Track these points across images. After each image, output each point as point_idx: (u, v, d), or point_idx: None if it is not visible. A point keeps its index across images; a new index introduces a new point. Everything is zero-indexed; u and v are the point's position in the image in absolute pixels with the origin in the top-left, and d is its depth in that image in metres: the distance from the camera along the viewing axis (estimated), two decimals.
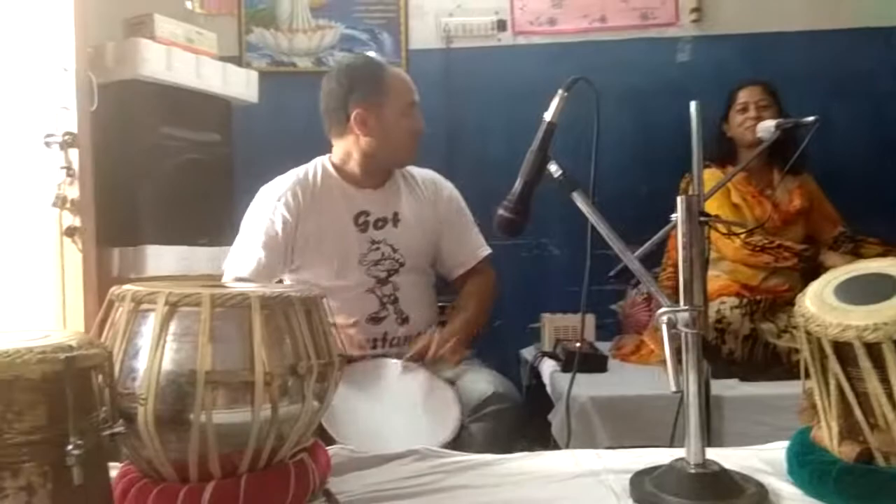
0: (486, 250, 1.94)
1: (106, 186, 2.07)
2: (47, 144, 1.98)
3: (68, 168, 1.97)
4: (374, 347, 1.76)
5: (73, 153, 1.98)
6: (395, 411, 1.49)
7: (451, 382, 1.62)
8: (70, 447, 0.65)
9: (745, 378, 1.96)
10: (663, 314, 0.97)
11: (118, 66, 2.17)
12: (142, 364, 0.82)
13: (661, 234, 1.43)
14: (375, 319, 1.77)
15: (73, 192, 1.98)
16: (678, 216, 1.03)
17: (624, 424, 1.80)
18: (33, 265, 2.03)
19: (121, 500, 0.83)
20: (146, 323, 0.85)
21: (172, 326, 0.84)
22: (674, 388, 0.93)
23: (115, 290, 0.90)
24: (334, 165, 1.87)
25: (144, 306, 0.86)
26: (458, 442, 1.45)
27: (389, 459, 1.09)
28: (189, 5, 2.86)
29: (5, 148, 2.07)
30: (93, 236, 2.00)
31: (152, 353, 0.82)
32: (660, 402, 1.72)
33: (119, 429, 0.72)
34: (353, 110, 1.79)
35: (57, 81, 2.00)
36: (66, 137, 1.97)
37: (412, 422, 1.48)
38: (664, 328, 0.96)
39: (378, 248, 1.80)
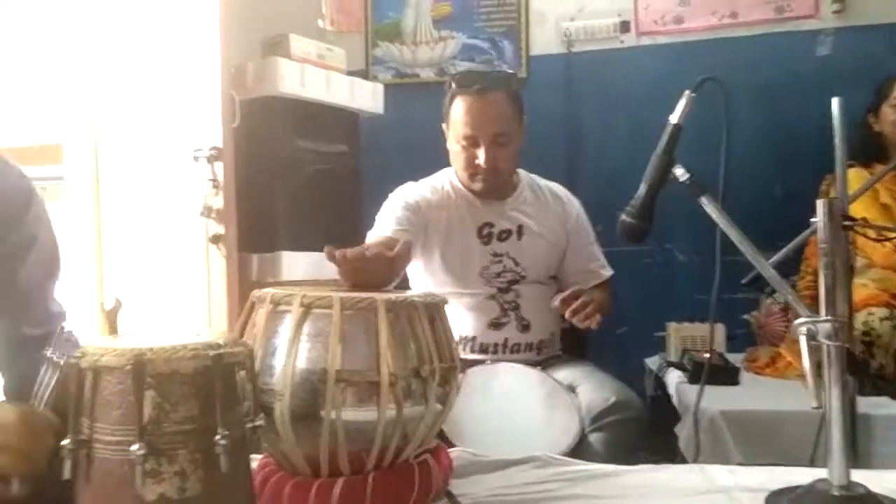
0: (609, 272, 1.92)
1: (245, 196, 2.22)
2: (195, 158, 2.15)
3: (214, 180, 2.13)
4: (495, 353, 1.77)
5: (218, 166, 2.13)
6: (516, 416, 1.49)
7: (572, 389, 1.60)
8: (218, 437, 0.70)
9: None
10: (802, 325, 0.91)
11: (258, 84, 2.32)
12: (279, 362, 0.88)
13: (798, 239, 1.34)
14: (496, 325, 1.79)
15: (218, 202, 2.13)
16: (818, 220, 0.97)
17: (758, 441, 1.71)
18: (183, 269, 2.21)
19: (260, 489, 0.89)
20: (283, 323, 0.90)
21: (306, 327, 0.89)
22: (814, 404, 0.88)
23: (256, 292, 0.96)
24: (458, 177, 1.90)
25: (282, 308, 0.91)
26: (578, 450, 1.43)
27: (510, 465, 1.10)
28: (321, 24, 3.02)
29: (159, 162, 2.27)
30: (234, 243, 2.15)
31: (288, 352, 0.87)
32: (798, 419, 1.61)
33: (259, 422, 0.78)
34: (442, 125, 1.86)
35: (204, 100, 2.17)
36: (212, 152, 2.13)
37: (532, 428, 1.48)
38: (803, 340, 0.91)
39: (500, 261, 1.81)
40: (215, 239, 2.13)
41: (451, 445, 1.26)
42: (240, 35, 2.33)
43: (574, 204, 1.94)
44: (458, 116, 1.78)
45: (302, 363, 0.87)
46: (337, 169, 2.48)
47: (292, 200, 2.33)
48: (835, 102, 1.32)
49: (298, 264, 2.27)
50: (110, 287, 2.36)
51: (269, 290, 0.94)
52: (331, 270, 1.06)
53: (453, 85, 1.81)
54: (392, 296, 0.93)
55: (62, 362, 0.78)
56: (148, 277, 2.27)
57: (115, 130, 2.37)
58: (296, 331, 0.88)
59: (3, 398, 1.06)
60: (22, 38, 2.56)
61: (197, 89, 2.17)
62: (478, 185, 1.82)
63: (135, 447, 0.68)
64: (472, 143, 1.77)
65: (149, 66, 2.29)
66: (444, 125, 1.87)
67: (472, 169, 1.80)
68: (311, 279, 2.25)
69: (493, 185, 1.83)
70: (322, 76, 2.43)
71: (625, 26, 2.86)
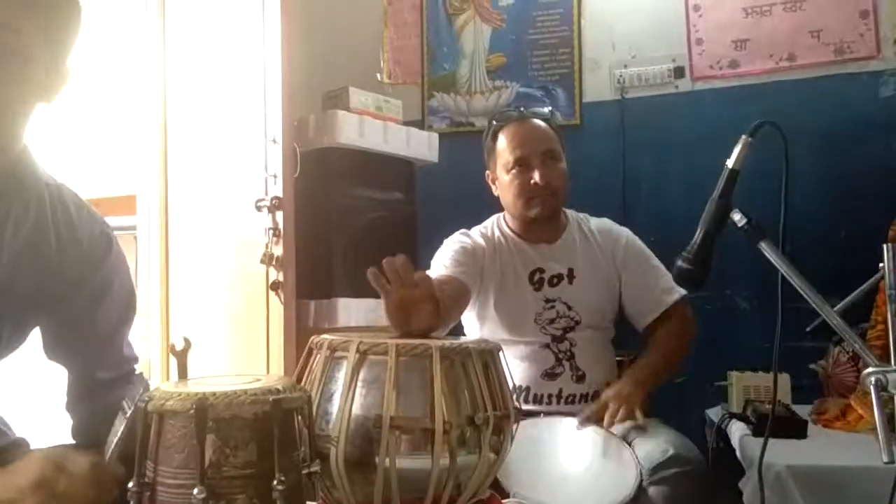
0: (677, 293, 1.83)
1: (304, 244, 2.27)
2: (258, 208, 2.23)
3: (275, 229, 2.20)
4: (549, 404, 1.74)
5: (279, 215, 2.20)
6: (571, 468, 1.46)
7: (629, 442, 1.56)
8: (275, 482, 0.72)
9: None
10: (871, 375, 0.88)
11: (318, 136, 2.39)
12: (335, 407, 0.89)
13: (865, 286, 1.30)
14: (551, 375, 1.76)
15: (278, 250, 2.19)
16: (885, 265, 0.95)
17: (828, 498, 1.61)
18: (245, 316, 2.27)
19: None
20: (340, 369, 0.92)
21: (362, 373, 0.90)
22: (886, 459, 0.84)
23: (314, 338, 0.99)
24: (507, 223, 1.92)
25: (339, 354, 0.93)
26: None
27: None
28: (379, 77, 3.12)
29: (224, 212, 2.36)
30: (293, 290, 2.20)
31: (344, 398, 0.89)
32: (871, 475, 1.52)
33: (315, 468, 0.79)
34: (486, 172, 1.90)
35: (267, 152, 2.25)
36: (274, 201, 2.20)
37: (588, 480, 1.44)
38: (873, 391, 0.87)
39: (553, 307, 1.80)
40: (275, 286, 2.18)
41: (505, 496, 1.24)
42: (302, 89, 2.42)
43: (622, 233, 1.91)
44: (504, 145, 1.82)
45: (357, 409, 0.89)
46: (392, 216, 2.53)
47: (349, 248, 2.38)
48: None
49: (354, 311, 2.31)
50: (177, 332, 2.44)
51: (327, 337, 0.97)
52: (385, 318, 1.08)
53: (493, 123, 1.88)
54: (446, 342, 0.94)
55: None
56: (212, 323, 2.34)
57: (183, 181, 2.49)
58: (352, 377, 0.90)
59: (72, 441, 1.10)
60: (97, 92, 2.72)
61: (261, 141, 2.26)
62: (535, 211, 1.80)
63: (196, 491, 0.70)
64: (524, 165, 1.79)
65: (216, 119, 2.41)
66: (487, 172, 1.90)
67: (528, 192, 1.78)
68: (367, 325, 2.28)
69: (552, 207, 1.82)
70: (379, 127, 2.50)
71: (679, 72, 2.86)
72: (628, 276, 1.85)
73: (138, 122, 2.58)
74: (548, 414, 1.69)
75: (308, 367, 0.97)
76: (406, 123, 2.67)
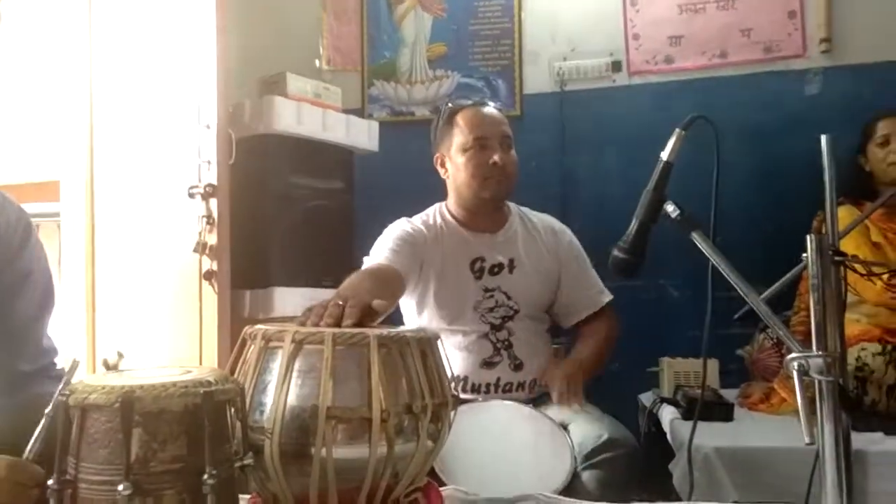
0: (607, 296, 1.91)
1: (240, 233, 2.22)
2: (191, 195, 2.16)
3: (208, 217, 2.14)
4: (487, 393, 1.76)
5: (213, 203, 2.14)
6: (508, 454, 1.47)
7: (564, 427, 1.58)
8: (206, 477, 0.70)
9: (890, 432, 1.79)
10: (794, 360, 0.91)
11: (254, 122, 2.34)
12: (269, 399, 0.87)
13: (790, 275, 1.35)
14: (489, 364, 1.78)
15: (212, 238, 2.13)
16: (808, 255, 0.98)
17: (753, 478, 1.69)
18: (176, 306, 2.20)
19: None
20: (274, 360, 0.90)
21: (298, 363, 0.89)
22: (807, 440, 0.87)
23: (248, 329, 0.96)
24: (450, 211, 1.92)
25: (273, 344, 0.91)
26: (571, 488, 1.41)
27: (502, 503, 1.08)
28: (317, 63, 3.07)
29: (155, 199, 2.28)
30: (227, 279, 2.15)
31: (279, 389, 0.87)
32: (793, 456, 1.60)
33: (249, 461, 0.77)
34: (434, 155, 1.89)
35: (201, 138, 2.19)
36: (208, 189, 2.14)
37: (524, 466, 1.46)
38: (795, 375, 0.91)
39: (492, 296, 1.81)
40: (208, 275, 2.12)
41: (443, 484, 1.24)
42: (238, 74, 2.36)
43: (565, 232, 1.95)
44: (463, 125, 1.83)
45: (293, 400, 0.87)
46: (331, 205, 2.50)
47: (286, 236, 2.34)
48: (824, 140, 1.34)
49: (291, 300, 2.27)
50: (103, 323, 2.34)
51: (262, 327, 0.94)
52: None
53: (449, 106, 1.89)
54: (384, 331, 0.93)
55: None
56: (141, 314, 2.26)
57: (111, 167, 2.39)
58: (287, 367, 0.88)
59: None
60: (20, 75, 2.59)
61: (195, 127, 2.19)
62: (490, 192, 1.82)
63: (121, 487, 0.67)
64: (482, 145, 1.80)
65: (146, 103, 2.32)
66: (437, 155, 1.89)
67: (485, 172, 1.80)
68: None
69: (505, 191, 1.85)
70: (318, 114, 2.46)
71: (616, 66, 2.91)
72: (567, 273, 1.89)
73: (62, 103, 2.46)
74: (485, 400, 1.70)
75: (242, 358, 0.94)
76: (345, 111, 2.63)
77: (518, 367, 1.78)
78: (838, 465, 0.90)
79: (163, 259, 2.24)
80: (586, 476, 1.48)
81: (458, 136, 1.83)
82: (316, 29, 3.09)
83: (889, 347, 1.92)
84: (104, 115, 2.40)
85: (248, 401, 0.87)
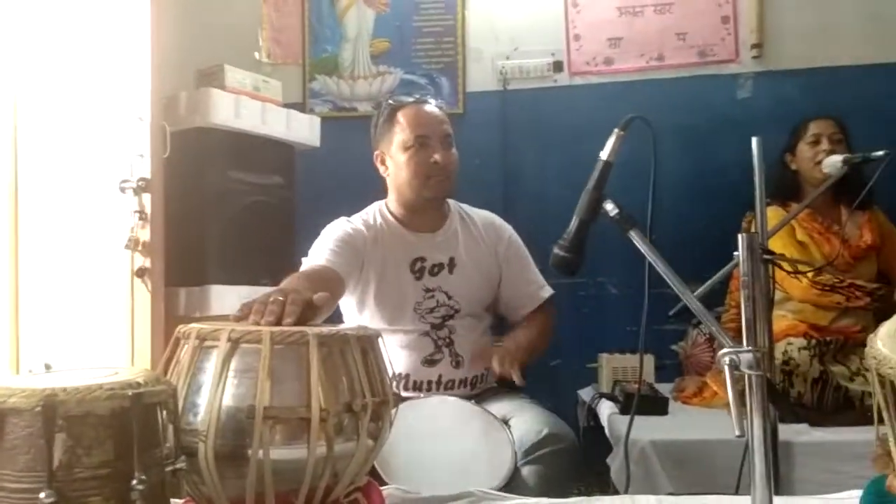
0: (548, 292, 1.92)
1: (175, 229, 2.16)
2: (122, 190, 2.08)
3: (141, 212, 2.07)
4: (429, 390, 1.75)
5: (146, 198, 2.07)
6: (448, 451, 1.47)
7: (505, 422, 1.60)
8: (135, 482, 0.67)
9: (815, 423, 1.87)
10: (725, 355, 0.94)
11: (190, 115, 2.28)
12: (204, 400, 0.85)
13: (722, 272, 1.40)
14: (430, 362, 1.77)
15: (145, 234, 2.07)
16: (739, 254, 1.02)
17: (687, 470, 1.74)
18: (106, 304, 2.12)
19: None
20: (209, 359, 0.87)
21: (234, 363, 0.86)
22: (738, 433, 0.90)
23: (181, 328, 0.93)
24: (389, 210, 1.90)
25: (208, 343, 0.88)
26: (512, 484, 1.42)
27: (443, 501, 1.08)
28: (257, 56, 3.00)
29: (84, 193, 2.19)
30: (161, 277, 2.08)
31: (213, 389, 0.84)
32: (724, 448, 1.65)
33: (181, 465, 0.74)
34: (374, 153, 1.87)
35: (133, 130, 2.11)
36: (140, 183, 2.07)
37: (465, 462, 1.46)
38: (726, 370, 0.93)
39: (433, 296, 1.80)
40: (141, 272, 2.05)
41: (384, 483, 1.23)
42: (173, 65, 2.29)
43: (505, 229, 1.95)
44: (404, 123, 1.80)
45: (228, 400, 0.84)
46: (271, 201, 2.45)
47: (223, 233, 2.29)
48: (754, 142, 1.39)
49: (229, 298, 2.22)
50: (28, 324, 2.24)
51: (195, 325, 0.91)
52: None
53: (390, 103, 1.86)
54: (324, 329, 0.91)
55: None
56: (69, 313, 2.17)
57: (36, 160, 2.28)
58: (222, 367, 0.85)
59: None
60: None
61: (126, 119, 2.11)
62: (430, 191, 1.80)
63: (43, 495, 0.64)
64: (423, 143, 1.78)
65: (75, 93, 2.22)
66: (377, 152, 1.87)
67: (427, 171, 1.78)
68: None
69: (446, 190, 1.83)
70: (257, 108, 2.41)
71: (558, 66, 2.95)
72: (509, 270, 1.90)
73: None
74: (427, 397, 1.70)
75: (174, 359, 0.91)
76: (286, 105, 2.59)
77: (459, 364, 1.78)
78: (766, 456, 0.94)
79: (92, 256, 2.16)
80: (526, 471, 1.49)
81: (399, 134, 1.81)
82: (255, 21, 3.03)
83: (814, 342, 2.01)
84: (29, 106, 2.29)
85: (181, 402, 0.84)
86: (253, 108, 2.39)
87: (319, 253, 1.73)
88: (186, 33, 2.55)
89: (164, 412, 0.75)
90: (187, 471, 0.78)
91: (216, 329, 0.88)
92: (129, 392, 0.69)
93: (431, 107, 1.87)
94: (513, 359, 1.64)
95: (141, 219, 2.06)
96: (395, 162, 1.83)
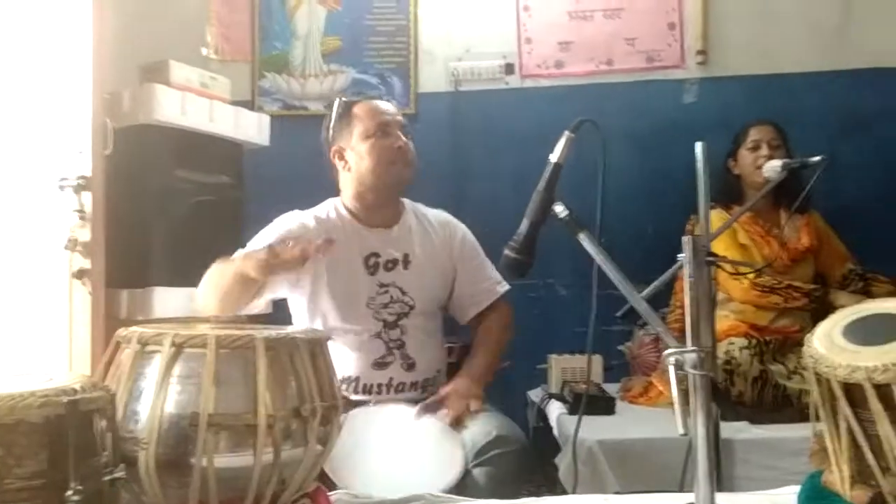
0: (503, 287, 1.91)
1: (117, 229, 2.09)
2: (61, 188, 2.01)
3: (80, 211, 2.00)
4: (379, 393, 1.73)
5: (86, 196, 2.00)
6: (398, 455, 1.47)
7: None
8: (70, 493, 0.65)
9: (755, 421, 1.93)
10: (670, 355, 0.96)
11: (134, 111, 2.21)
12: (145, 407, 0.82)
13: (667, 274, 1.42)
14: (381, 365, 1.76)
15: (85, 234, 2.00)
16: (684, 256, 1.04)
17: (633, 468, 1.77)
18: (43, 307, 2.04)
19: None
20: (151, 365, 0.85)
21: (177, 368, 0.84)
22: (682, 431, 0.92)
23: (121, 331, 0.90)
24: (345, 206, 1.89)
25: (150, 348, 0.86)
26: (462, 487, 1.43)
27: None
28: (204, 52, 2.93)
29: (20, 191, 2.10)
30: (102, 278, 2.01)
31: (156, 396, 0.82)
32: (669, 446, 1.69)
33: (119, 474, 0.72)
34: (331, 149, 1.86)
35: (73, 126, 2.04)
36: (80, 181, 2.00)
37: (415, 466, 1.46)
38: (671, 370, 0.95)
39: (387, 292, 1.80)
40: (80, 274, 1.98)
41: (333, 488, 1.22)
42: (116, 59, 2.22)
43: (459, 227, 1.96)
44: (363, 114, 1.82)
45: (171, 407, 0.83)
46: (218, 201, 2.39)
47: (168, 233, 2.23)
48: (698, 147, 1.42)
49: (173, 301, 2.16)
50: None
51: (137, 329, 0.89)
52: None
53: (343, 100, 1.88)
54: (272, 332, 0.90)
55: None
56: (2, 315, 2.07)
57: None
58: (165, 373, 0.83)
59: None
60: None
61: (66, 114, 2.04)
62: (393, 177, 1.81)
63: None
64: (385, 131, 1.80)
65: (10, 86, 2.13)
66: (334, 148, 1.85)
67: (391, 155, 1.79)
68: (188, 316, 2.14)
69: (409, 178, 1.84)
70: (205, 105, 2.35)
71: (509, 68, 2.97)
72: (463, 269, 1.90)
73: None
74: (377, 403, 1.68)
75: (114, 364, 0.88)
76: (234, 103, 2.53)
77: (410, 366, 1.77)
78: (708, 455, 0.96)
79: (29, 256, 2.07)
80: (477, 473, 1.50)
81: (359, 126, 1.81)
82: (203, 16, 2.96)
83: (754, 342, 2.07)
84: None
85: (120, 409, 0.82)
86: (200, 105, 2.34)
87: (266, 240, 1.71)
88: (130, 27, 2.47)
89: (103, 420, 0.72)
90: (127, 480, 0.75)
91: (159, 333, 0.86)
92: (64, 399, 0.66)
93: (384, 102, 1.91)
94: (468, 403, 1.64)
95: (81, 218, 1.99)
96: (356, 153, 1.82)
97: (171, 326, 0.93)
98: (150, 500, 0.82)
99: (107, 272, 2.03)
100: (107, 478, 0.71)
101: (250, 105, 2.87)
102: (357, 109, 1.84)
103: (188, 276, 2.23)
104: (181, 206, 2.28)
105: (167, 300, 2.16)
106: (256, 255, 1.47)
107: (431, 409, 1.62)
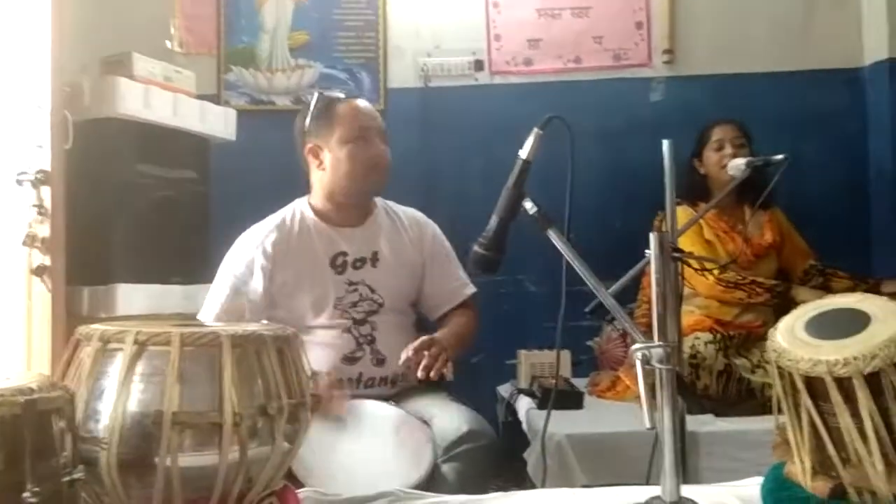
0: (471, 289, 1.93)
1: (78, 225, 2.04)
2: (19, 182, 1.95)
3: (39, 206, 1.94)
4: (349, 388, 1.73)
5: (46, 191, 1.95)
6: (367, 452, 1.46)
7: (425, 421, 1.59)
8: (27, 494, 0.63)
9: (719, 414, 1.96)
10: (637, 350, 0.97)
11: (95, 105, 2.16)
12: (106, 406, 0.80)
13: (634, 270, 1.44)
14: (351, 360, 1.75)
15: (44, 230, 1.94)
16: (651, 252, 1.05)
17: (600, 462, 1.79)
18: (0, 305, 1.99)
19: None
20: (113, 363, 0.83)
21: (140, 366, 0.82)
22: (648, 425, 0.93)
23: (81, 329, 0.88)
24: (312, 206, 1.87)
25: (112, 346, 0.84)
26: (431, 482, 1.42)
27: (362, 502, 1.07)
28: (168, 44, 2.88)
29: None
30: (62, 275, 1.96)
31: (118, 395, 0.80)
32: (636, 439, 1.71)
33: (79, 475, 0.70)
34: (306, 146, 1.84)
35: (32, 119, 1.98)
36: (39, 175, 1.94)
37: (384, 462, 1.46)
38: (638, 364, 0.96)
39: (356, 290, 1.79)
40: (39, 270, 1.93)
41: (301, 486, 1.21)
42: (76, 51, 2.16)
43: (430, 226, 1.96)
44: (346, 116, 1.80)
45: (133, 406, 0.81)
46: (183, 196, 2.35)
47: (132, 229, 2.18)
48: (665, 145, 1.44)
49: (137, 298, 2.12)
50: None
51: (98, 327, 0.87)
52: (174, 304, 1.00)
53: (325, 95, 1.85)
54: (238, 329, 0.89)
55: None
56: None
57: None
58: (127, 371, 0.81)
59: None
60: None
61: (24, 107, 1.98)
62: (370, 185, 1.82)
63: None
64: (366, 137, 1.80)
65: None
66: (309, 145, 1.83)
67: (369, 163, 1.79)
68: (152, 314, 2.10)
69: (384, 184, 1.85)
70: (169, 99, 2.31)
71: (479, 65, 2.97)
72: (433, 266, 1.90)
73: None
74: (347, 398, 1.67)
75: (74, 362, 0.86)
76: (200, 97, 2.49)
77: (380, 362, 1.77)
78: (674, 448, 0.97)
79: None
80: (446, 468, 1.50)
81: (340, 128, 1.79)
82: (167, 8, 2.90)
83: (719, 336, 2.11)
84: None
85: (81, 409, 0.80)
86: (164, 98, 2.29)
87: (232, 274, 1.77)
88: (91, 18, 2.41)
89: (61, 420, 0.70)
90: (87, 481, 0.74)
91: (121, 331, 0.84)
92: (21, 399, 0.64)
93: (365, 102, 1.90)
94: (446, 353, 1.63)
95: (40, 213, 1.94)
96: (333, 155, 1.80)
97: (134, 324, 0.91)
98: (111, 501, 0.80)
99: (67, 269, 1.98)
100: (65, 479, 0.69)
101: (216, 99, 2.83)
102: (339, 110, 1.81)
103: (152, 272, 2.20)
104: (145, 202, 2.24)
105: (131, 297, 2.12)
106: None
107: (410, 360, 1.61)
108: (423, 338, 1.65)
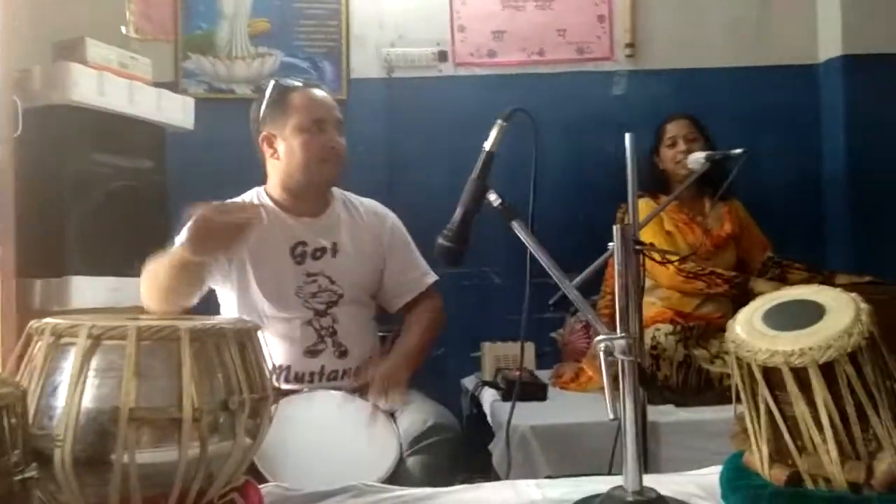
0: (432, 277, 1.92)
1: (29, 215, 1.98)
2: None
3: None
4: (311, 381, 1.72)
5: None
6: (331, 446, 1.45)
7: (391, 414, 1.59)
8: None
9: (680, 404, 1.99)
10: (600, 342, 0.98)
11: (46, 91, 2.09)
12: (60, 402, 0.78)
13: (598, 262, 1.45)
14: (313, 353, 1.73)
15: None
16: (614, 244, 1.06)
17: (564, 453, 1.80)
18: None
19: None
20: (66, 358, 0.81)
21: (95, 361, 0.80)
22: (611, 416, 0.94)
23: (33, 323, 0.85)
24: (269, 195, 1.84)
25: (65, 340, 0.82)
26: (397, 476, 1.42)
27: (325, 496, 1.06)
28: (124, 30, 2.80)
29: None
30: (12, 267, 1.90)
31: (71, 390, 0.78)
32: (599, 430, 1.73)
33: (31, 473, 0.68)
34: (261, 134, 1.81)
35: None
36: None
37: (349, 456, 1.45)
38: (601, 355, 0.97)
39: (315, 281, 1.77)
40: None
41: (264, 481, 1.19)
42: (27, 35, 2.09)
43: (388, 216, 1.95)
44: (301, 105, 1.78)
45: (88, 402, 0.79)
46: (139, 186, 2.29)
47: (86, 219, 2.11)
48: (627, 138, 1.45)
49: (92, 290, 2.06)
50: None
51: (50, 320, 0.84)
52: (130, 297, 0.97)
53: (279, 83, 1.83)
54: (198, 323, 0.87)
55: None
56: None
57: None
58: (81, 366, 0.79)
59: None
60: None
61: None
62: (324, 175, 1.80)
63: None
64: (321, 127, 1.78)
65: None
66: (264, 134, 1.80)
67: (324, 154, 1.77)
68: (108, 307, 2.05)
69: (339, 175, 1.83)
70: (124, 86, 2.25)
71: (443, 56, 2.96)
72: (392, 257, 1.89)
73: None
74: (309, 391, 1.66)
75: (26, 357, 0.83)
76: (157, 84, 2.43)
77: (343, 354, 1.75)
78: (636, 438, 0.98)
79: None
80: (411, 462, 1.50)
81: (295, 117, 1.77)
82: None
83: (679, 327, 2.14)
84: None
85: (33, 405, 0.77)
86: (119, 85, 2.23)
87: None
88: (43, 1, 2.33)
89: (12, 417, 0.68)
90: (41, 479, 0.71)
91: (74, 325, 0.81)
92: None
93: (322, 92, 1.86)
94: (395, 383, 1.64)
95: None
96: (287, 145, 1.78)
97: (89, 317, 0.89)
98: (67, 499, 0.77)
99: (18, 261, 1.92)
100: (17, 478, 0.66)
101: (173, 87, 2.76)
102: (294, 98, 1.79)
103: (108, 264, 2.14)
104: (99, 192, 2.18)
105: (85, 290, 2.06)
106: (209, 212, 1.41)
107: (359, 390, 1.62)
108: (368, 375, 1.66)
